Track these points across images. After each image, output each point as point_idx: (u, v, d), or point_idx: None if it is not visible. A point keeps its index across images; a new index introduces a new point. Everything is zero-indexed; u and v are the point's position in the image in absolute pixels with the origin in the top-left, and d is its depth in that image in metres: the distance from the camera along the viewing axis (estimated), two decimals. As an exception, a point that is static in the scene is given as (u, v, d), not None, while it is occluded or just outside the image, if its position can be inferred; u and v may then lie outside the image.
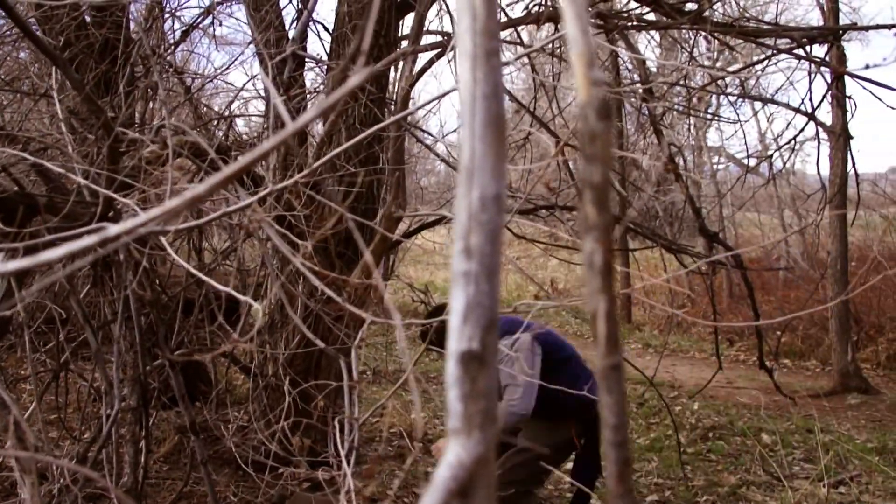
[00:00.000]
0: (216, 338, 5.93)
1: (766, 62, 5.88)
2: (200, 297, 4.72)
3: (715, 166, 15.23)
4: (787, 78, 9.99)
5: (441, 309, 4.20)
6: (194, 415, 3.20)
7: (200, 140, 2.46)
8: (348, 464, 1.77)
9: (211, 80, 5.09)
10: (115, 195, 1.65)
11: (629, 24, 4.38)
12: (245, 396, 5.76)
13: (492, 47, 0.54)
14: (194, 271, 1.48)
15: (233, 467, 4.87)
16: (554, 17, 4.64)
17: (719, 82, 6.50)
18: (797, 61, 5.90)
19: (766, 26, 5.37)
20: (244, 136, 5.37)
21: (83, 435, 4.81)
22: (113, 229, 0.63)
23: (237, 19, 7.75)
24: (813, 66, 5.51)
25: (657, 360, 7.65)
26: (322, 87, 4.78)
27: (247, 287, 6.66)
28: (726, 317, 11.01)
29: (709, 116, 10.11)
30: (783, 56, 5.71)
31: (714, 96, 10.75)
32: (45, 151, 3.01)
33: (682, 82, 6.07)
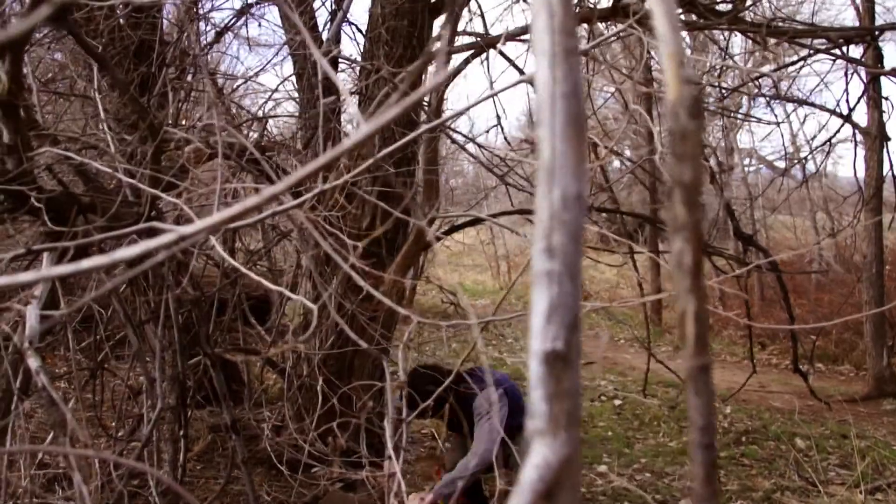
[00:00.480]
0: (248, 338, 5.98)
1: (801, 63, 5.81)
2: (234, 297, 4.74)
3: (746, 168, 15.09)
4: (822, 79, 9.89)
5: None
6: (227, 413, 3.21)
7: (245, 141, 2.48)
8: (396, 463, 1.76)
9: (246, 82, 5.11)
10: (161, 193, 1.66)
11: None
12: (277, 396, 5.79)
13: (570, 45, 0.53)
14: (246, 271, 1.48)
15: (266, 466, 4.89)
16: (587, 17, 4.62)
17: (752, 83, 6.44)
18: (832, 62, 5.84)
19: (800, 26, 5.31)
20: (276, 138, 5.39)
21: (118, 433, 4.85)
22: (184, 229, 0.63)
23: (268, 21, 7.79)
24: (849, 66, 5.45)
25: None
26: (356, 88, 4.79)
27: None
28: (758, 320, 10.89)
29: (742, 117, 10.02)
30: (818, 56, 5.65)
31: (744, 98, 10.64)
32: (83, 151, 3.04)
33: (715, 83, 6.02)
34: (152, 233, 2.27)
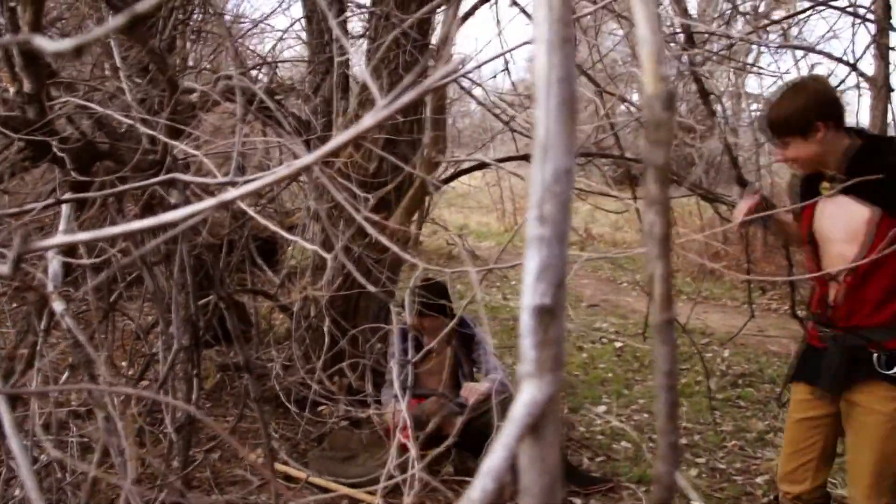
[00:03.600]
0: (255, 279, 6.08)
1: (809, 12, 5.80)
2: (241, 239, 4.84)
3: (753, 114, 15.01)
4: (830, 27, 9.82)
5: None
6: (240, 353, 3.32)
7: (255, 89, 2.53)
8: (404, 402, 1.85)
9: (256, 25, 5.12)
10: (180, 144, 1.72)
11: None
12: (284, 336, 5.91)
13: (567, 35, 0.60)
14: (274, 227, 1.55)
15: (273, 405, 5.03)
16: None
17: (760, 31, 6.43)
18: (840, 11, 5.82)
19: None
20: (286, 81, 5.41)
21: (129, 373, 4.99)
22: (226, 196, 0.71)
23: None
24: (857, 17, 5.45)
25: (689, 307, 7.71)
26: (365, 34, 4.80)
27: (287, 229, 6.76)
28: (760, 265, 10.97)
29: (748, 66, 9.97)
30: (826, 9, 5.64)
31: (752, 45, 10.55)
32: (96, 98, 3.09)
33: (722, 30, 6.01)
34: (171, 183, 2.35)
